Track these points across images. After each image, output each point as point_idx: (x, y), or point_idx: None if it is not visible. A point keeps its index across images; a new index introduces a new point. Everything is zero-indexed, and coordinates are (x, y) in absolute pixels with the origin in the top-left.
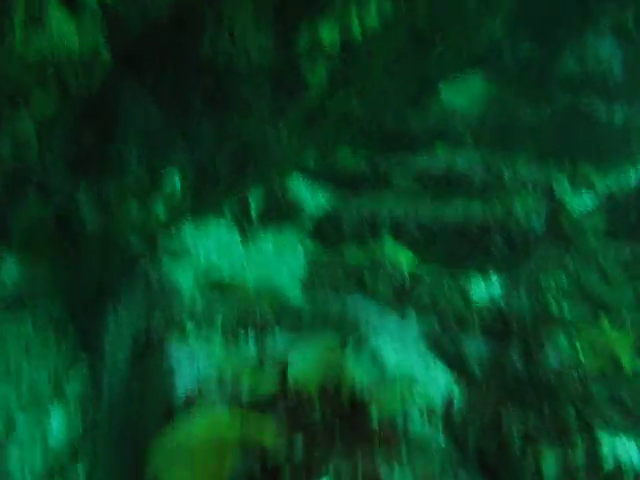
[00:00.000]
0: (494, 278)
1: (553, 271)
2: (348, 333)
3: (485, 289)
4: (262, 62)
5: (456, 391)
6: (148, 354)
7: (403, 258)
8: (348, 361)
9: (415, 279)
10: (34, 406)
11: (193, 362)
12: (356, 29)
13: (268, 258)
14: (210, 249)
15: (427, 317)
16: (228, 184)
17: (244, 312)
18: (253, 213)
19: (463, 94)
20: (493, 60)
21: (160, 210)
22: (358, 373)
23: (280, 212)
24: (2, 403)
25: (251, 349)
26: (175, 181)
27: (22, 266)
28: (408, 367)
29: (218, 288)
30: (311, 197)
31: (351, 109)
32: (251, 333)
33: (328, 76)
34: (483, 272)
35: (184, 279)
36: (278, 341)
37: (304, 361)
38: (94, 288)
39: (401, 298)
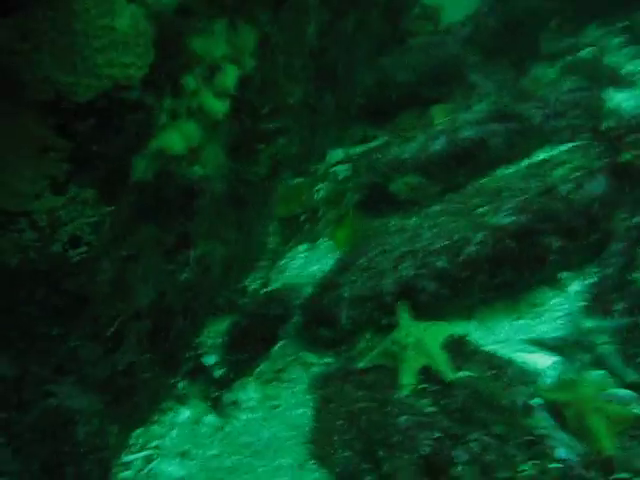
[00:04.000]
0: (571, 288)
1: None
2: None
3: (559, 310)
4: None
5: None
6: None
7: (434, 342)
8: None
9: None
10: None
11: None
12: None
13: (255, 426)
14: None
15: None
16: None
17: None
18: (216, 373)
19: None
20: None
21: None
22: None
23: (257, 336)
24: None
25: None
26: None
27: None
28: None
29: None
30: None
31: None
32: None
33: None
34: (551, 285)
35: None
36: None
37: None
38: None
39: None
